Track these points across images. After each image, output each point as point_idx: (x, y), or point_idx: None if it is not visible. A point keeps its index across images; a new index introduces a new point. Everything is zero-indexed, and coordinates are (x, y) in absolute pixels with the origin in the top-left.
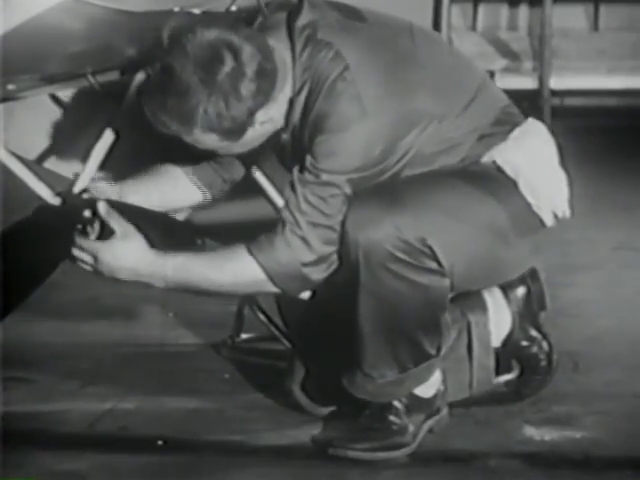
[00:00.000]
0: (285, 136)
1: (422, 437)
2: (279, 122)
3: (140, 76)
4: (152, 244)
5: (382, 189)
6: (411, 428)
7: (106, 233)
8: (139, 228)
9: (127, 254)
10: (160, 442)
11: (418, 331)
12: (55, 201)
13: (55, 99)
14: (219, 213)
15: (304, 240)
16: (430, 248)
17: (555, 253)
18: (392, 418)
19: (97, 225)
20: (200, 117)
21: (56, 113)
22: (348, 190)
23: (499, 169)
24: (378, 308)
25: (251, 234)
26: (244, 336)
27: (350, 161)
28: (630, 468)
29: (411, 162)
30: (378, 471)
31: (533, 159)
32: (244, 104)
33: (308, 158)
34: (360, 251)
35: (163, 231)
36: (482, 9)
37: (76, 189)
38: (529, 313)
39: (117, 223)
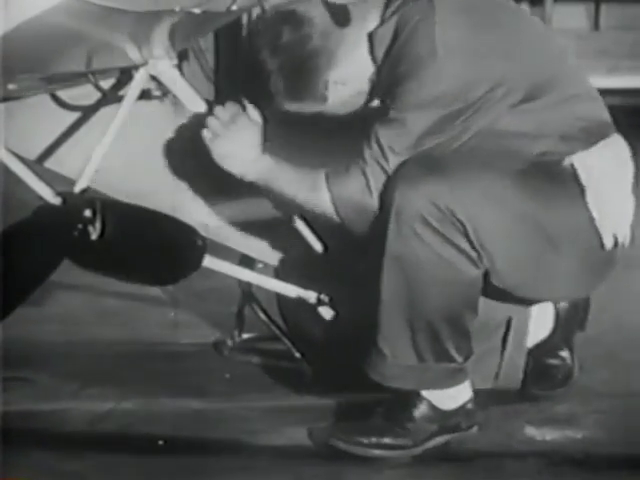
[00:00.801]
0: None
1: (431, 446)
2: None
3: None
4: (152, 244)
5: (433, 156)
6: (420, 434)
7: (107, 233)
8: (139, 228)
9: (247, 143)
10: (160, 442)
11: (441, 322)
12: (56, 201)
13: (55, 99)
14: (220, 213)
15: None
16: (461, 223)
17: None
18: (403, 419)
19: (98, 225)
20: None
21: (56, 113)
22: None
23: (574, 173)
24: (401, 278)
25: (251, 234)
26: (245, 336)
27: (429, 96)
28: (630, 467)
29: (486, 133)
30: (378, 471)
31: (609, 174)
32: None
33: (388, 103)
34: (393, 208)
35: (163, 231)
36: None
37: (77, 189)
38: (568, 330)
39: (251, 110)
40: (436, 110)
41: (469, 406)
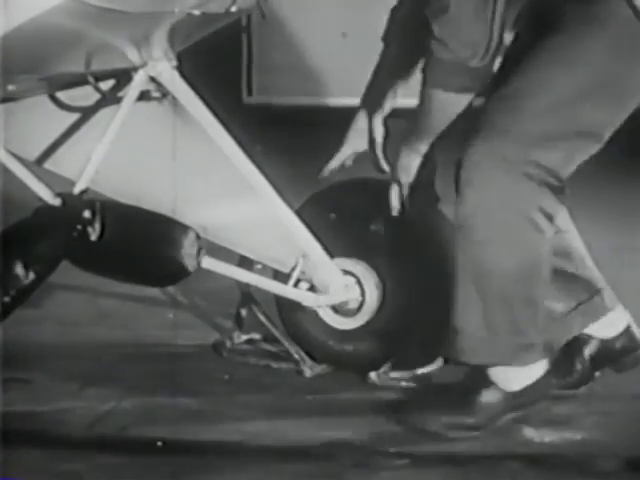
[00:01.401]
0: None
1: (502, 425)
2: None
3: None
4: (151, 245)
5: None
6: (489, 414)
7: (106, 233)
8: (138, 230)
9: None
10: (159, 443)
11: (513, 292)
12: (55, 202)
13: (55, 100)
14: (217, 213)
15: None
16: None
17: None
18: (473, 400)
19: (97, 226)
20: None
21: (56, 114)
22: None
23: None
24: (473, 249)
25: (250, 235)
26: (244, 337)
27: None
28: (630, 469)
29: None
30: (378, 471)
31: None
32: None
33: None
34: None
35: (162, 232)
36: None
37: (76, 190)
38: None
39: None
40: None
41: (536, 386)
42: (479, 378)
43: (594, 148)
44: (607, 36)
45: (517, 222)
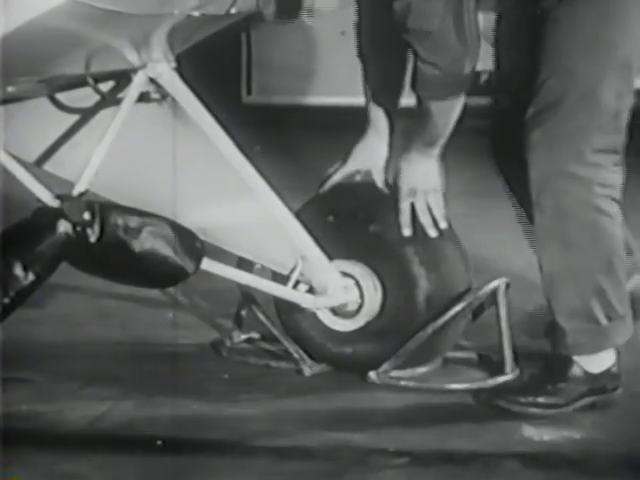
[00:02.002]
0: None
1: (580, 406)
2: None
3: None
4: (149, 246)
5: None
6: (571, 395)
7: (106, 235)
8: (138, 231)
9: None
10: (160, 442)
11: (603, 279)
12: (54, 203)
13: (54, 101)
14: (216, 215)
15: None
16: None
17: None
18: (556, 380)
19: (97, 227)
20: None
21: (55, 115)
22: None
23: None
24: (557, 245)
25: (249, 237)
26: (243, 336)
27: None
28: (629, 468)
29: None
30: (377, 471)
31: None
32: None
33: None
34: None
35: (162, 234)
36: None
37: (76, 191)
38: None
39: None
40: None
41: (614, 369)
42: (565, 360)
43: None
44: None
45: (593, 217)
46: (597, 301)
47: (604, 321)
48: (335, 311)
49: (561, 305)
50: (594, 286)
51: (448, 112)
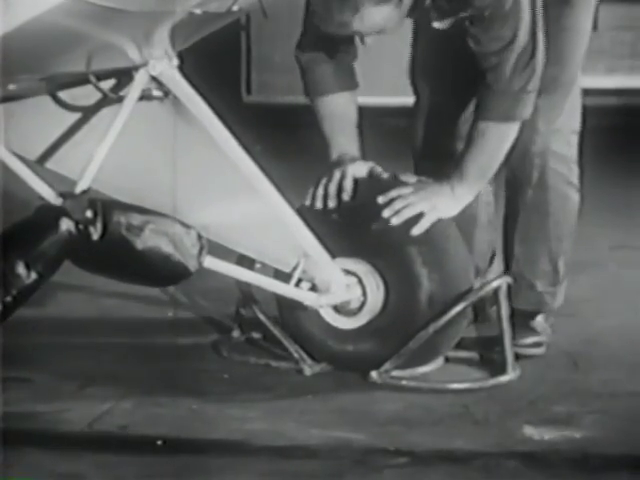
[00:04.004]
0: None
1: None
2: None
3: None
4: (152, 243)
5: None
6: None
7: (109, 233)
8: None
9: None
10: (160, 442)
11: (562, 245)
12: (57, 201)
13: (56, 99)
14: (218, 213)
15: None
16: None
17: None
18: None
19: (99, 225)
20: None
21: (57, 113)
22: None
23: None
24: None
25: (250, 235)
26: (243, 336)
27: None
28: (629, 468)
29: None
30: (378, 471)
31: None
32: None
33: None
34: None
35: (164, 231)
36: None
37: (78, 189)
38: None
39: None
40: None
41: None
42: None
43: None
44: None
45: (566, 189)
46: (562, 263)
47: (565, 282)
48: (337, 309)
49: (535, 268)
50: (564, 252)
51: (511, 135)
